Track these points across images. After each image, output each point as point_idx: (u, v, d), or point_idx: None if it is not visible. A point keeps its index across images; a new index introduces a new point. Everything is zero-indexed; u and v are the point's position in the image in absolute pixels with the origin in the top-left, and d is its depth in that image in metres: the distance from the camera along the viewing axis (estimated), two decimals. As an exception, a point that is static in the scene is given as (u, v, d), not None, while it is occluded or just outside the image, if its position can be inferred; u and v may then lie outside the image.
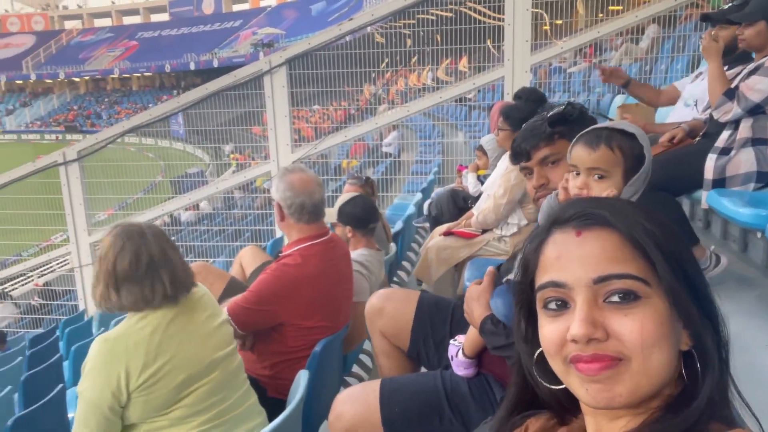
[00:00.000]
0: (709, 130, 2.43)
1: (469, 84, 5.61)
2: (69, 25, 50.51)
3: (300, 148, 6.19)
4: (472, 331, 1.42)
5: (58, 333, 4.92)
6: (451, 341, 1.53)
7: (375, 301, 1.88)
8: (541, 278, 0.67)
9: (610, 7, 5.71)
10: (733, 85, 2.32)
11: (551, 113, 1.45)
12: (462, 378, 1.48)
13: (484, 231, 2.91)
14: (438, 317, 1.73)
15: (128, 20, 51.01)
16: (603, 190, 1.20)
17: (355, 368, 2.61)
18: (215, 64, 34.94)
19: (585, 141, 1.23)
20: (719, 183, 2.28)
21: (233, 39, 41.38)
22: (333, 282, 2.18)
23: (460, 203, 3.35)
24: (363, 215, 2.73)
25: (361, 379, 2.51)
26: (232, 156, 8.73)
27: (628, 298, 0.62)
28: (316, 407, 1.95)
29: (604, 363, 0.61)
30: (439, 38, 6.00)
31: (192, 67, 38.33)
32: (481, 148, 3.44)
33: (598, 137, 1.22)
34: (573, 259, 0.64)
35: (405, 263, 4.03)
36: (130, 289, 1.60)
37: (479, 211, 2.91)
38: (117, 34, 48.01)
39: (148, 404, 1.59)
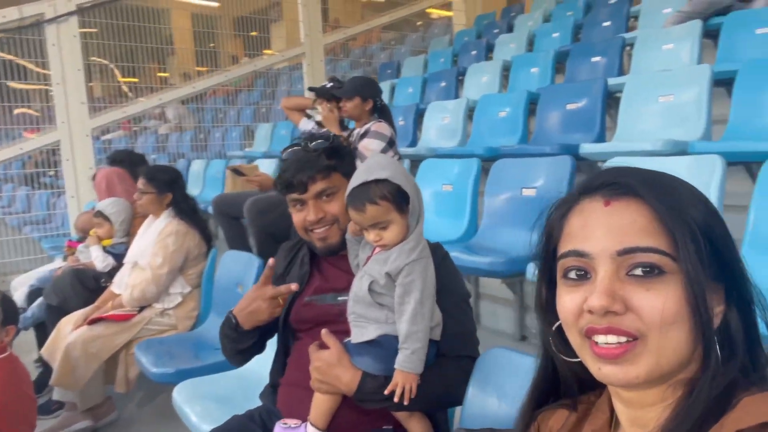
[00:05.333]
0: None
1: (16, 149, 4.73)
2: None
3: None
4: (319, 400, 1.28)
5: None
6: (279, 425, 1.32)
7: None
8: (564, 246, 0.65)
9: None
10: (353, 147, 2.83)
11: (321, 145, 1.41)
12: None
13: (142, 308, 2.54)
14: None
15: None
16: (392, 234, 1.25)
17: None
18: None
19: (353, 206, 1.25)
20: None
21: None
22: None
23: (90, 284, 2.78)
24: None
25: None
26: None
27: (652, 272, 0.59)
28: None
29: (622, 348, 0.59)
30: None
31: None
32: (100, 215, 2.93)
33: (360, 199, 1.24)
34: (599, 229, 0.62)
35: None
36: None
37: (131, 287, 2.52)
38: None
39: None
